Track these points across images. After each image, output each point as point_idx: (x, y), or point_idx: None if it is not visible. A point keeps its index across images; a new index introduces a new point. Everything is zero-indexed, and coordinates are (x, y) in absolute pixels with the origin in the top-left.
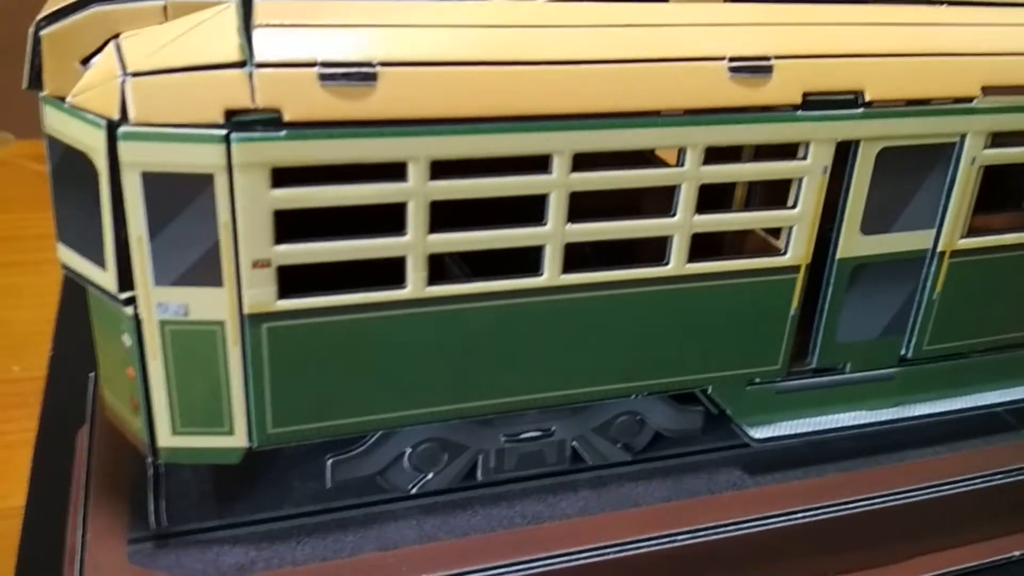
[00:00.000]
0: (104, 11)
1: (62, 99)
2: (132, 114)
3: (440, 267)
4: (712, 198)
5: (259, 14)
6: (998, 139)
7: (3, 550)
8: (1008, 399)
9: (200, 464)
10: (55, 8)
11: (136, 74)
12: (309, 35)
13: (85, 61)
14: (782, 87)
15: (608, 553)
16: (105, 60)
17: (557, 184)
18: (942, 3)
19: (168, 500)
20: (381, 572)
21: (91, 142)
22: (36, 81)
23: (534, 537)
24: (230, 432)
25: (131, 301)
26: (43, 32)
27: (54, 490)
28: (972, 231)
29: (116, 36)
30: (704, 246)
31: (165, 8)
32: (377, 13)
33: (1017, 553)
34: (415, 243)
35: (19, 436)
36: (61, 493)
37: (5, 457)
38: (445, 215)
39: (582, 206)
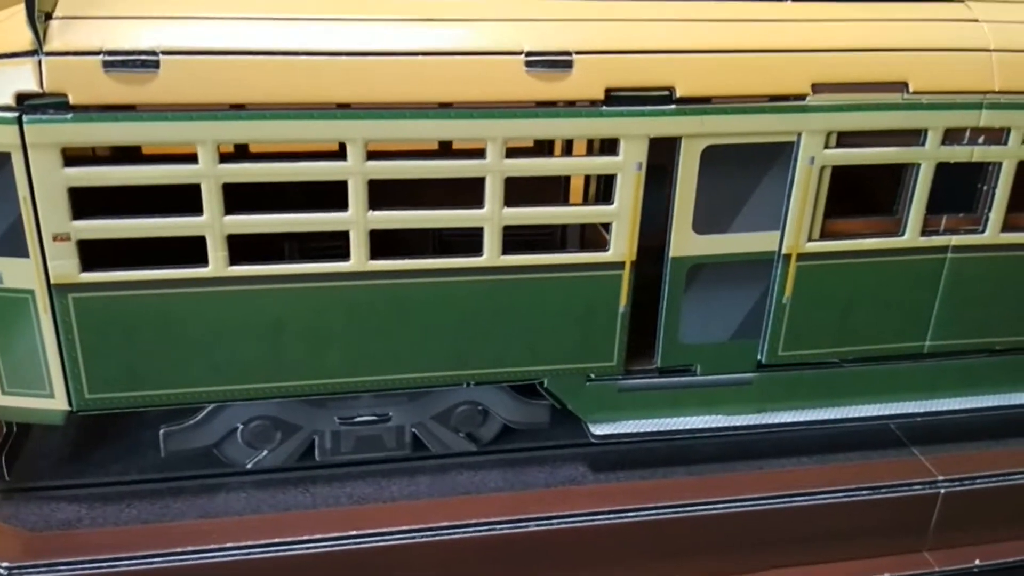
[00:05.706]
0: None
1: None
2: None
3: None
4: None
5: (60, 7)
6: (845, 139)
7: None
8: (892, 413)
9: (33, 423)
10: None
11: None
12: (100, 26)
13: None
14: (583, 82)
15: (417, 536)
16: None
17: (353, 171)
18: None
19: (28, 459)
20: (193, 538)
21: None
22: None
23: (349, 516)
24: (51, 395)
25: None
26: None
27: None
28: (827, 234)
29: None
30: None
31: None
32: (171, 6)
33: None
34: (211, 223)
35: None
36: None
37: None
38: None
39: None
